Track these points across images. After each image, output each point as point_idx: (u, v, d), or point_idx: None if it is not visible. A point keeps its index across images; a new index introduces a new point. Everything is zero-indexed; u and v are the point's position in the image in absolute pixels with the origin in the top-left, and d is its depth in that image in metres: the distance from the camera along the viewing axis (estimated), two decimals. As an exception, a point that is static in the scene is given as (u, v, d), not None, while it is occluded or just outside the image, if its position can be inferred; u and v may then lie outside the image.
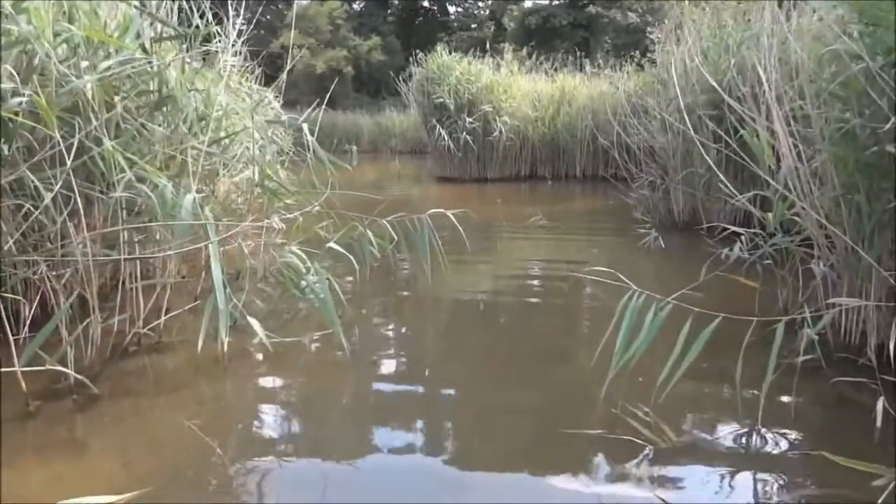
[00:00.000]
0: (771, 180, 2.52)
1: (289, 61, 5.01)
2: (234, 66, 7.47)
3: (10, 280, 2.51)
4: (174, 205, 2.47)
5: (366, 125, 20.49)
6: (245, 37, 5.75)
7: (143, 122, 2.71)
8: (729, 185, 2.81)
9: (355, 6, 31.29)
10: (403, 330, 3.18)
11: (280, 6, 30.09)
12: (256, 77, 8.14)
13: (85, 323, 2.43)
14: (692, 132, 3.83)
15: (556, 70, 11.08)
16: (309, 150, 3.29)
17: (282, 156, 6.87)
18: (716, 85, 3.43)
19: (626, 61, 10.29)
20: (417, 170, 12.58)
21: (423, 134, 11.21)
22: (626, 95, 6.66)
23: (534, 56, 11.18)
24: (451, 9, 31.13)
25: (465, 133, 9.52)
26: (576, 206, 7.77)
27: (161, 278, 2.88)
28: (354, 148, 20.93)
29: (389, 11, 31.81)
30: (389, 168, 12.41)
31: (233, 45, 6.63)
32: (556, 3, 20.88)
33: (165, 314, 2.83)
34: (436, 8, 31.29)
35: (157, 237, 2.84)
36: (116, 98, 2.81)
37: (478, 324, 3.21)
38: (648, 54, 9.60)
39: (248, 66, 7.68)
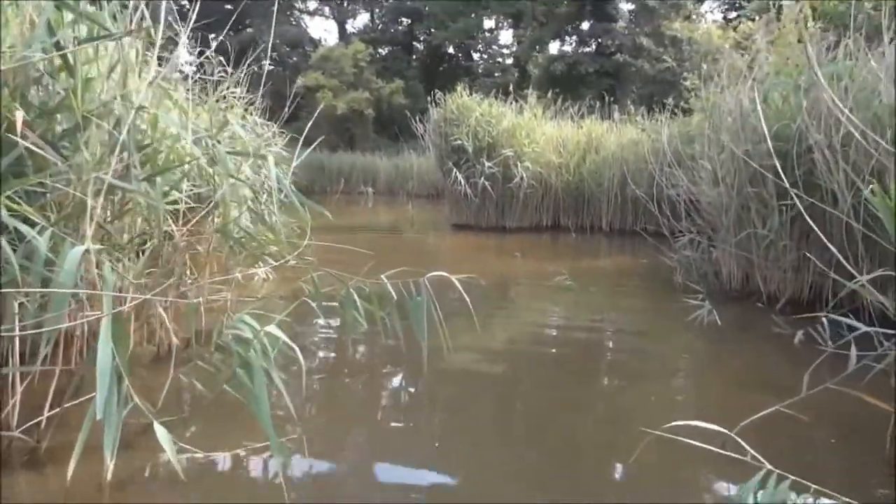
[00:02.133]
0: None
1: (296, 102, 4.31)
2: (235, 96, 6.87)
3: None
4: (55, 261, 1.73)
5: (383, 167, 20.10)
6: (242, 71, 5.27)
7: (33, 143, 1.99)
8: (845, 259, 2.00)
9: (381, 51, 31.45)
10: (372, 444, 2.31)
11: (308, 49, 30.40)
12: (268, 113, 7.63)
13: None
14: (776, 179, 3.04)
15: (582, 116, 10.42)
16: (275, 191, 2.54)
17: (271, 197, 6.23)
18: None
19: (658, 109, 9.61)
20: (434, 214, 11.90)
21: (440, 177, 10.54)
22: (670, 141, 5.88)
23: (559, 100, 10.55)
24: (475, 56, 31.08)
25: (483, 178, 8.82)
26: (605, 265, 6.95)
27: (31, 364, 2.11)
28: (370, 189, 20.52)
29: (414, 57, 31.92)
30: (405, 212, 11.72)
31: (232, 74, 6.05)
32: (583, 50, 20.49)
33: (57, 407, 2.06)
34: (460, 55, 31.27)
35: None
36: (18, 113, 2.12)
37: (479, 442, 2.35)
38: (683, 103, 8.96)
39: (250, 99, 7.18)
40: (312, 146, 7.54)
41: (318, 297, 3.01)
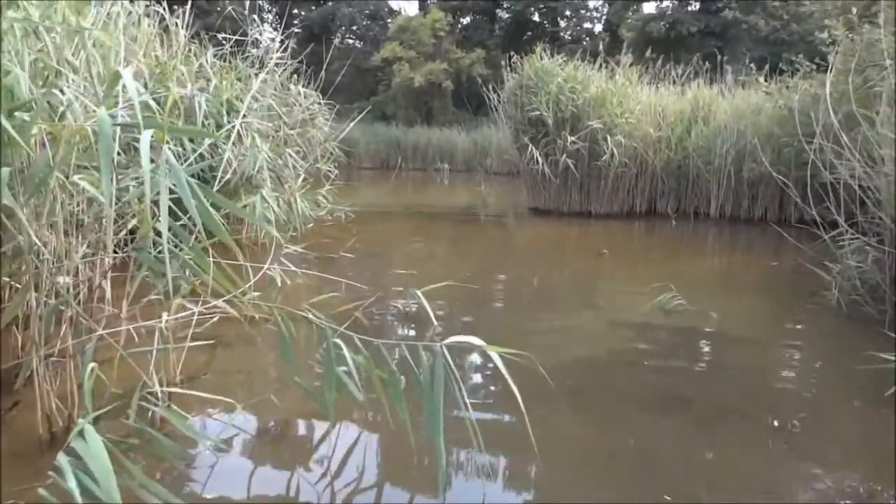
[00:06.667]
0: None
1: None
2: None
3: None
4: None
5: (461, 143, 18.94)
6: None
7: None
8: None
9: (462, 20, 29.99)
10: None
11: (388, 21, 29.43)
12: (314, 83, 6.67)
13: None
14: None
15: (688, 79, 8.73)
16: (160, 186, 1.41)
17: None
18: None
19: (787, 70, 7.78)
20: (512, 195, 10.58)
21: (515, 154, 9.21)
22: (814, 106, 4.30)
23: (658, 62, 8.89)
24: (562, 23, 28.98)
25: (565, 155, 7.44)
26: (720, 268, 5.46)
27: None
28: (447, 166, 19.55)
29: (497, 26, 30.27)
30: (480, 192, 10.41)
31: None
32: (685, 8, 18.16)
33: None
34: (545, 22, 29.28)
35: None
36: None
37: None
38: (819, 60, 7.14)
39: (289, 65, 6.21)
40: (356, 120, 6.44)
41: (291, 369, 1.90)
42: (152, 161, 1.54)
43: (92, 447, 1.23)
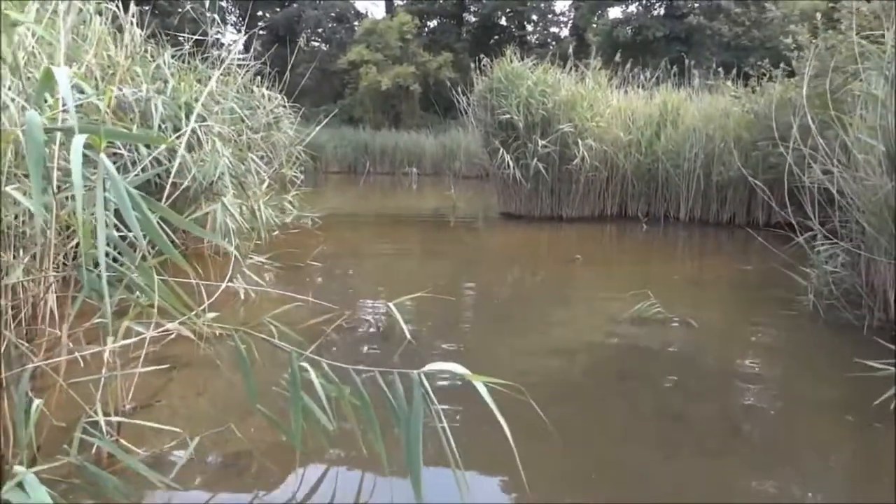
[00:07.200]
0: None
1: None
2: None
3: None
4: None
5: (429, 146, 18.79)
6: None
7: None
8: None
9: (429, 23, 29.89)
10: None
11: (355, 24, 29.13)
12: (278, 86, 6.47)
13: None
14: None
15: (657, 82, 8.77)
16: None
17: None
18: None
19: (755, 75, 7.85)
20: (482, 198, 10.47)
21: (485, 158, 9.09)
22: (807, 107, 4.22)
23: (627, 65, 8.91)
24: (529, 27, 29.14)
25: (536, 159, 7.38)
26: (694, 272, 5.44)
27: None
28: (415, 170, 19.38)
29: (464, 29, 30.27)
30: (449, 196, 10.23)
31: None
32: (650, 14, 18.37)
33: None
34: (512, 26, 29.40)
35: None
36: None
37: None
38: (784, 65, 7.23)
39: (252, 67, 5.99)
40: (322, 123, 6.26)
41: (254, 397, 1.73)
42: (94, 170, 1.38)
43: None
